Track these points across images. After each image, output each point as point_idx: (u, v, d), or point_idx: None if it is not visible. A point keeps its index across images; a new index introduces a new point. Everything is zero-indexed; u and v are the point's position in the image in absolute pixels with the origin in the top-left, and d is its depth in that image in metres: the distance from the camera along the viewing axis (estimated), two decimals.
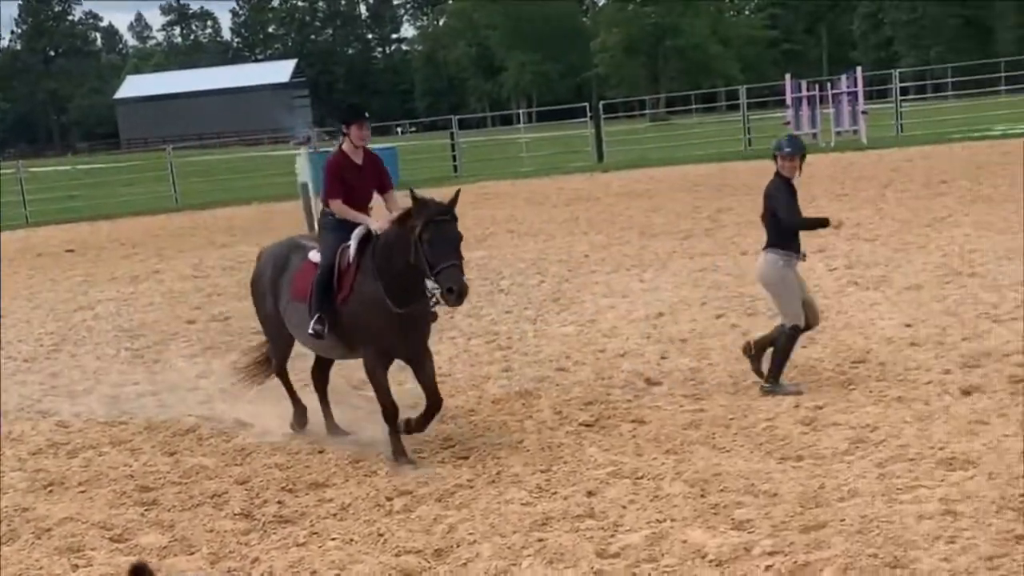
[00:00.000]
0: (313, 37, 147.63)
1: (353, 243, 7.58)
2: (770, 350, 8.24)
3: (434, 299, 7.42)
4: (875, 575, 4.93)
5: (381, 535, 6.00)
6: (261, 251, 8.84)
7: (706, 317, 10.92)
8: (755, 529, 5.58)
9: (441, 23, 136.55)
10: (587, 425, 7.68)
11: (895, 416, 7.23)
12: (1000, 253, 12.61)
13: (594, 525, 5.84)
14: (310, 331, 7.49)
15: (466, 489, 6.64)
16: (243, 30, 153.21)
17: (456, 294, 6.91)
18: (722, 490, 6.18)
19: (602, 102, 43.28)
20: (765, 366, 8.21)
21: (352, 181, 7.90)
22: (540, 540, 5.68)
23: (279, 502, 6.68)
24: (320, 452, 7.58)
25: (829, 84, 36.19)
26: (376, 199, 8.00)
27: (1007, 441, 6.52)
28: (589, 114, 40.50)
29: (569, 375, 9.11)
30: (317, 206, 15.99)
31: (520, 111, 64.44)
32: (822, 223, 8.28)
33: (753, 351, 8.35)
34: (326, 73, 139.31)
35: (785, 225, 8.17)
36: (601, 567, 5.31)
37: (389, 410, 7.34)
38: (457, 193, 7.34)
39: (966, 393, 7.55)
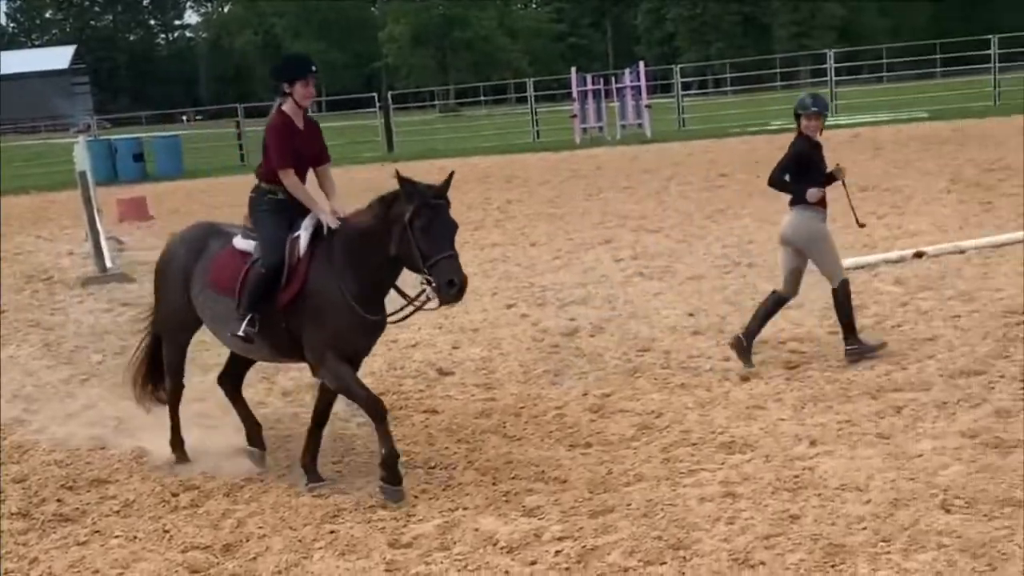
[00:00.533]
0: (93, 23, 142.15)
1: (305, 234, 6.52)
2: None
3: (424, 295, 6.42)
4: (659, 557, 5.07)
5: (167, 531, 5.86)
6: (171, 235, 7.77)
7: (497, 307, 11.04)
8: (545, 515, 5.67)
9: (226, 10, 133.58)
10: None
11: (678, 402, 7.46)
12: (776, 244, 13.07)
13: (386, 516, 5.84)
14: (240, 333, 6.42)
15: (256, 483, 6.55)
16: (19, 15, 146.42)
17: (457, 288, 6.10)
18: (513, 478, 6.26)
19: (391, 92, 43.23)
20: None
21: (298, 149, 6.78)
22: (332, 532, 5.66)
23: (59, 500, 6.44)
24: (102, 448, 7.34)
25: (614, 78, 37.03)
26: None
27: (782, 424, 6.82)
28: (378, 104, 40.39)
29: (362, 366, 9.07)
30: (96, 196, 15.49)
31: None
32: (801, 191, 8.07)
33: (746, 343, 8.26)
34: (107, 60, 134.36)
35: (770, 181, 8.22)
36: (393, 557, 5.31)
37: (378, 405, 6.31)
38: (451, 176, 6.66)
39: (744, 379, 7.85)
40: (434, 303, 6.34)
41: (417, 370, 8.87)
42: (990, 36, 34.81)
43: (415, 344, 9.71)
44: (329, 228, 6.50)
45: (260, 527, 5.82)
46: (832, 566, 4.85)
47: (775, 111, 38.61)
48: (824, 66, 37.88)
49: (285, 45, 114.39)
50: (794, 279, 8.38)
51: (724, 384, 7.79)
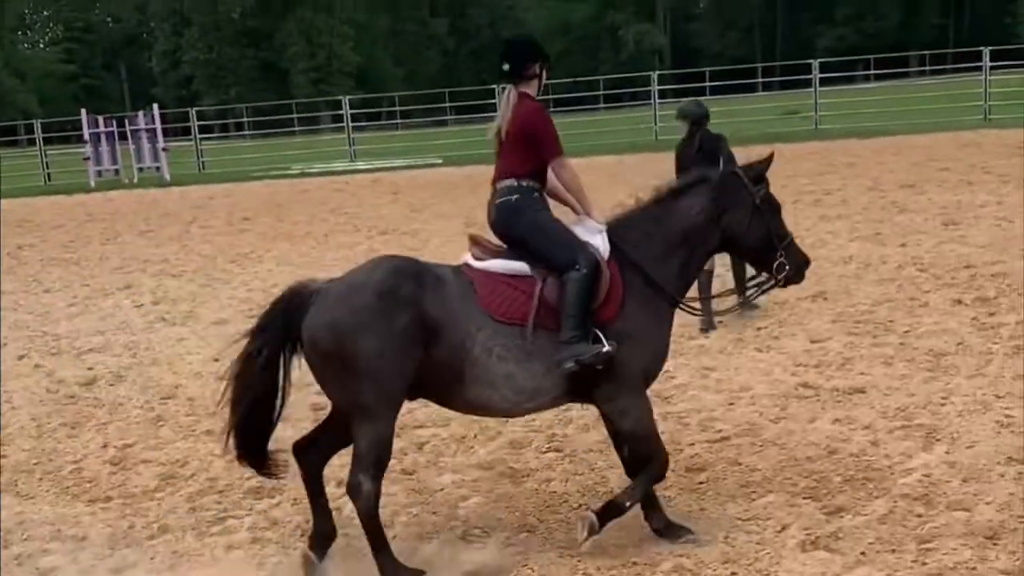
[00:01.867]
0: None
1: (601, 238, 5.40)
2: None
3: (770, 283, 5.71)
4: None
5: None
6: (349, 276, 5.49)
7: (8, 358, 10.39)
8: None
9: None
10: None
11: (204, 449, 7.33)
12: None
13: None
14: (605, 349, 5.09)
15: None
16: None
17: (807, 266, 5.66)
18: (26, 539, 5.91)
19: None
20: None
21: None
22: None
23: None
24: None
25: (127, 120, 35.98)
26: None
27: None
28: None
29: None
30: None
31: None
32: None
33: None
34: None
35: None
36: None
37: (666, 462, 5.43)
38: (771, 156, 5.74)
39: None
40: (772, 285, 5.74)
41: None
42: (493, 87, 37.01)
43: None
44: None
45: None
46: None
47: (295, 155, 39.07)
48: (341, 112, 38.69)
49: None
50: None
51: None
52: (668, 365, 7.97)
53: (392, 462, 6.69)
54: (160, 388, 9.01)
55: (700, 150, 9.29)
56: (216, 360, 9.80)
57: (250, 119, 62.49)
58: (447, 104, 47.53)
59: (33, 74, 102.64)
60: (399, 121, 56.90)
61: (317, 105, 65.88)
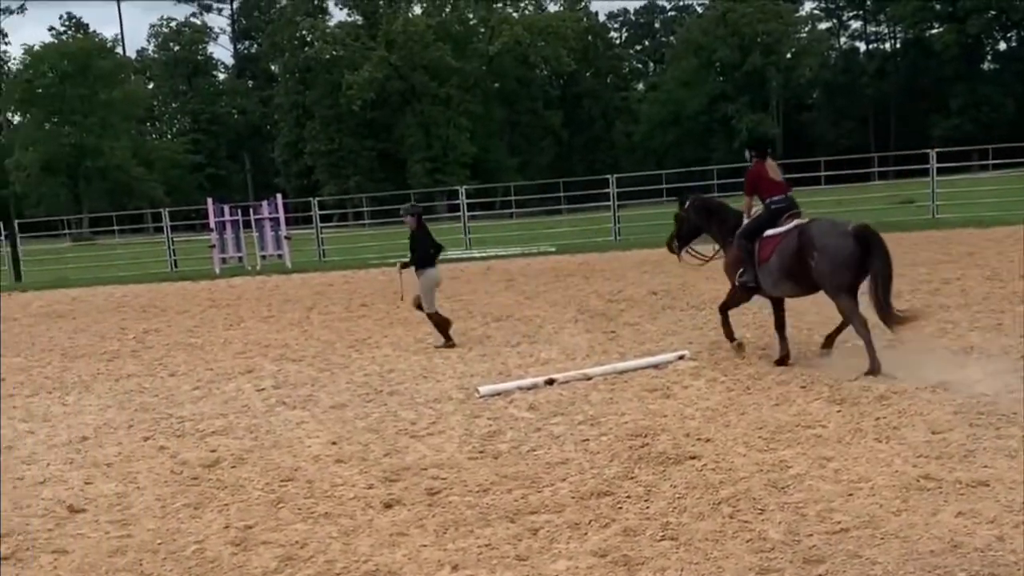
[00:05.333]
0: None
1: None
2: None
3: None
4: None
5: None
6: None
7: (133, 440, 10.66)
8: None
9: None
10: (3, 558, 7.22)
11: (323, 532, 7.43)
12: (416, 372, 13.42)
13: None
14: None
15: None
16: None
17: None
18: None
19: (19, 221, 41.33)
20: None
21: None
22: None
23: None
24: None
25: (251, 209, 36.94)
26: None
27: (425, 551, 6.92)
28: (4, 232, 38.49)
29: None
30: None
31: None
32: None
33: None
34: None
35: None
36: None
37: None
38: None
39: (388, 506, 7.92)
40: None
41: (46, 508, 8.40)
42: (608, 176, 37.20)
43: (43, 481, 9.23)
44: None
45: None
46: None
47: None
48: (458, 201, 39.25)
49: None
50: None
51: (368, 512, 7.83)
52: (785, 454, 7.93)
53: (507, 548, 6.76)
54: (280, 470, 9.16)
55: None
56: (334, 444, 9.96)
57: (369, 208, 63.60)
58: (561, 194, 47.87)
59: (160, 164, 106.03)
60: (513, 210, 57.46)
61: (433, 195, 66.94)
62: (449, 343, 15.38)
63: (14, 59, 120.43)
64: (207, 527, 7.71)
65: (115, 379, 14.46)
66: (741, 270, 12.51)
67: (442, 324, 15.68)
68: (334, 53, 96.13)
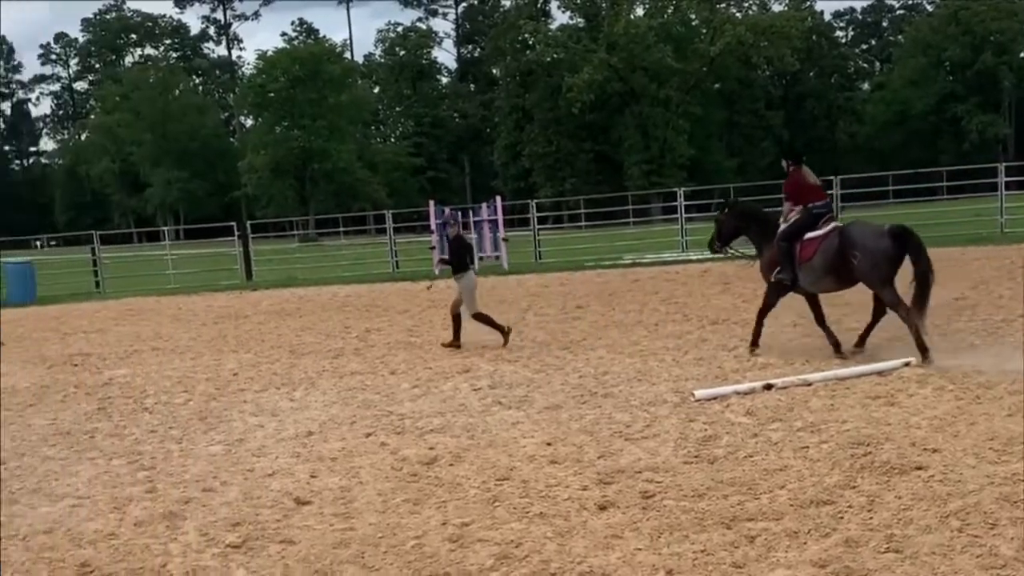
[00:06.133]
0: None
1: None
2: None
3: None
4: None
5: None
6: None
7: (356, 436, 10.98)
8: None
9: (83, 137, 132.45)
10: (234, 546, 7.52)
11: (537, 532, 7.49)
12: (631, 375, 13.40)
13: None
14: None
15: None
16: None
17: None
18: None
19: (251, 221, 43.11)
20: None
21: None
22: None
23: None
24: None
25: (471, 211, 37.55)
26: None
27: (640, 554, 6.90)
28: (237, 232, 40.21)
29: (216, 495, 8.92)
30: None
31: (166, 228, 63.03)
32: None
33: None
34: None
35: None
36: None
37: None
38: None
39: (602, 508, 7.92)
40: None
41: (274, 500, 8.73)
42: (831, 178, 36.33)
43: (272, 473, 9.60)
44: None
45: None
46: None
47: (627, 245, 39.59)
48: (675, 203, 39.02)
49: (144, 172, 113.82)
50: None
51: (582, 513, 7.85)
52: (1018, 467, 7.59)
53: (723, 554, 6.68)
54: (496, 469, 9.27)
55: None
56: (549, 444, 10.03)
57: (585, 210, 63.88)
58: (781, 195, 46.98)
59: (384, 166, 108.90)
60: None
61: (649, 197, 66.67)
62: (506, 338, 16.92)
63: (248, 64, 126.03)
64: (425, 523, 7.87)
65: (339, 376, 14.93)
66: (778, 269, 13.89)
67: (490, 322, 16.98)
68: (555, 56, 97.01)
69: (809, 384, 11.80)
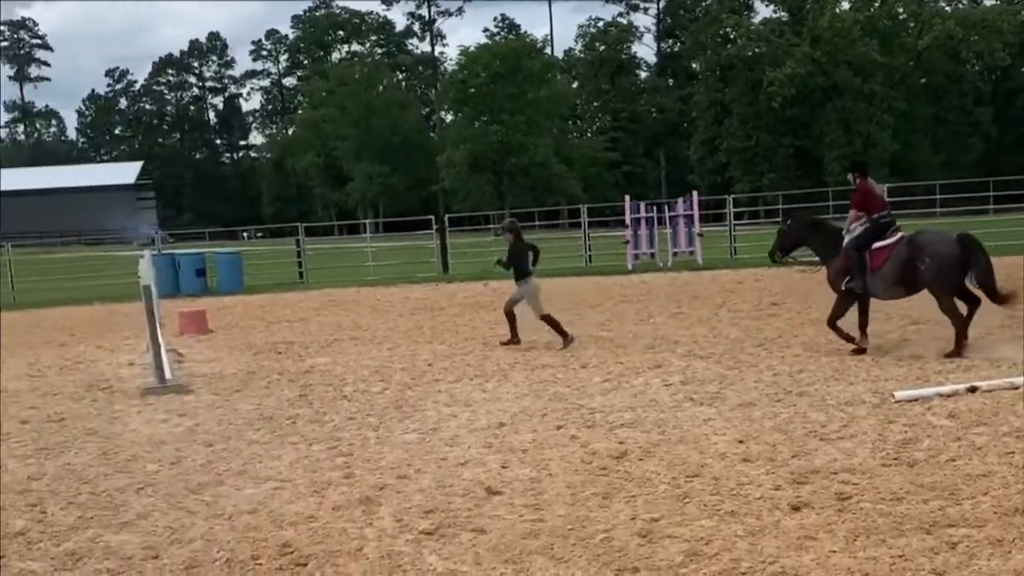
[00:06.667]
0: (161, 141, 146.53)
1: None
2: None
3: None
4: None
5: None
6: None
7: (546, 428, 11.04)
8: None
9: (290, 132, 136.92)
10: (427, 533, 7.66)
11: (728, 530, 7.39)
12: (828, 374, 13.11)
13: None
14: None
15: None
16: (89, 131, 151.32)
17: None
18: None
19: (447, 215, 43.80)
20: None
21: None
22: None
23: None
24: (155, 558, 7.39)
25: (667, 206, 37.33)
26: None
27: (834, 557, 6.74)
28: (435, 226, 40.90)
29: (410, 483, 9.10)
30: (159, 309, 15.82)
31: (367, 221, 64.52)
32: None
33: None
34: (173, 177, 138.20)
35: None
36: None
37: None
38: None
39: (796, 509, 7.76)
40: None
41: (466, 488, 8.85)
42: None
43: (465, 462, 9.73)
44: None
45: None
46: None
47: None
48: None
49: (347, 167, 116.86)
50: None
51: (774, 513, 7.72)
52: None
53: (922, 560, 6.48)
54: (686, 466, 9.19)
55: None
56: (741, 442, 9.90)
57: (783, 206, 62.78)
58: (990, 193, 45.27)
59: (580, 161, 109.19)
60: (937, 209, 54.89)
61: (849, 193, 65.01)
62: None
63: (450, 60, 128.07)
64: (614, 517, 7.86)
65: (531, 368, 15.04)
66: (848, 278, 14.44)
67: (555, 324, 17.20)
68: (756, 50, 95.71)
69: (1016, 387, 11.33)
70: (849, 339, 14.70)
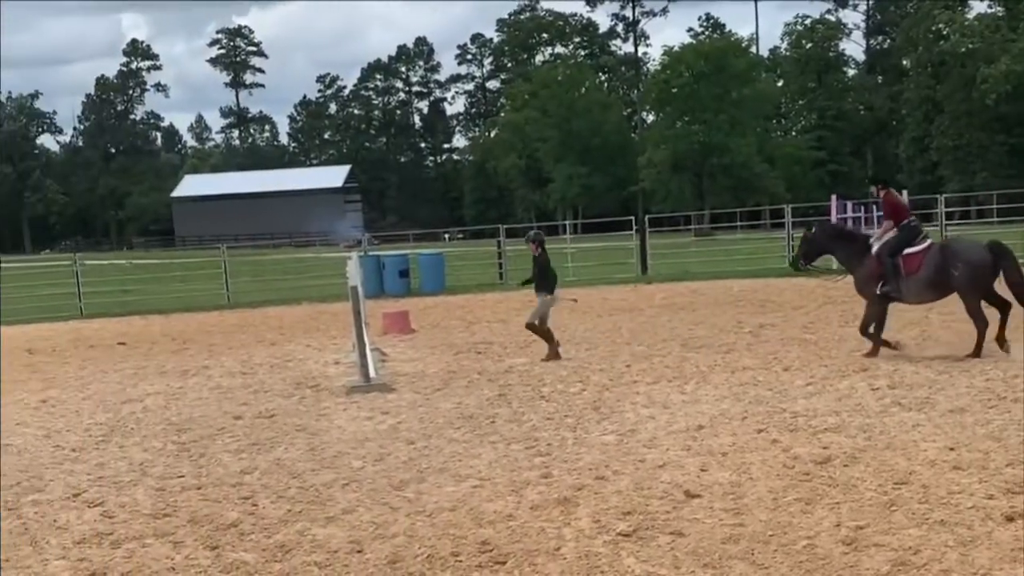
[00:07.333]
0: (367, 144, 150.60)
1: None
2: None
3: None
4: None
5: None
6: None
7: (747, 432, 10.89)
8: None
9: (492, 135, 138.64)
10: (625, 535, 7.65)
11: (937, 540, 7.16)
12: None
13: None
14: None
15: None
16: (300, 135, 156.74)
17: None
18: None
19: (647, 216, 43.64)
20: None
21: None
22: None
23: None
24: (359, 552, 7.59)
25: (875, 206, 36.30)
26: None
27: None
28: (635, 227, 40.78)
29: (608, 484, 9.11)
30: (365, 309, 16.28)
31: (566, 222, 64.93)
32: None
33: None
34: (378, 180, 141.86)
35: None
36: None
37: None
38: None
39: (1010, 519, 7.46)
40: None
41: (664, 491, 8.81)
42: None
43: (663, 465, 9.68)
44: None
45: None
46: None
47: None
48: None
49: (547, 168, 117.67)
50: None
51: (987, 523, 7.43)
52: None
53: None
54: (893, 473, 8.93)
55: None
56: (952, 449, 9.56)
57: (996, 205, 60.30)
58: None
59: (783, 160, 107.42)
60: None
61: None
62: (553, 355, 17.01)
63: (653, 60, 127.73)
64: (818, 523, 7.70)
65: (731, 371, 14.86)
66: (882, 283, 14.94)
67: (546, 335, 17.26)
68: (970, 46, 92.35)
69: None
70: (886, 344, 15.23)
